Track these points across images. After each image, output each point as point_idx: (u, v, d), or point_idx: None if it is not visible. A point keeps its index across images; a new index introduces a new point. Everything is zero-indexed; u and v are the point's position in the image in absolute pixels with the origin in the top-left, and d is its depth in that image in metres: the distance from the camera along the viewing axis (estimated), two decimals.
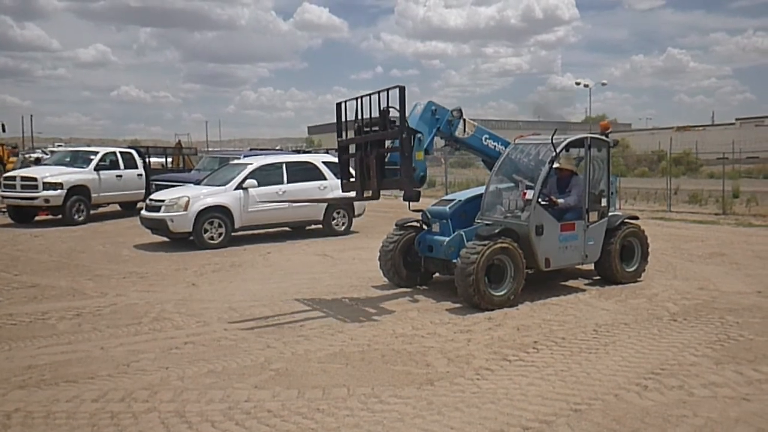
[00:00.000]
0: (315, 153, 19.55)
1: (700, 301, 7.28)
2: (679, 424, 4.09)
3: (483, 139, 8.04)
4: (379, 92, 6.94)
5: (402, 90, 6.66)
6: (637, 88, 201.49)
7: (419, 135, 7.21)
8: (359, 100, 7.18)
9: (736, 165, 29.85)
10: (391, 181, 7.17)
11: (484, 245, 6.95)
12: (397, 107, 6.67)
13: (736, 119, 65.13)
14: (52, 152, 24.74)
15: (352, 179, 7.48)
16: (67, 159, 17.04)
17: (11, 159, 26.24)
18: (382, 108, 6.92)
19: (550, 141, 7.61)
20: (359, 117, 7.21)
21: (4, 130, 28.57)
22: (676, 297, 7.52)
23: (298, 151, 21.33)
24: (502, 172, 8.11)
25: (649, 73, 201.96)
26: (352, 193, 7.54)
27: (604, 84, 65.74)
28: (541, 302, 7.37)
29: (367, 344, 5.88)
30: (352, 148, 7.58)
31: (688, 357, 5.37)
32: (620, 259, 8.19)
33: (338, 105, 7.53)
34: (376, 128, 7.13)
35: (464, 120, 7.80)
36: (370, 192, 7.21)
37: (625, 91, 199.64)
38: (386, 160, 7.19)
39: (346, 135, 7.52)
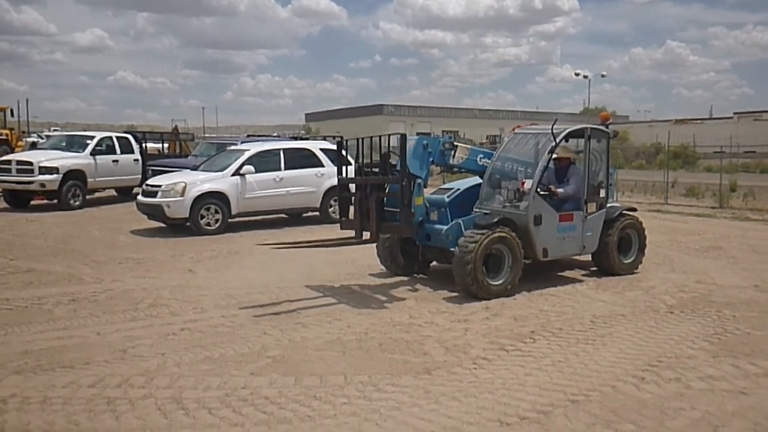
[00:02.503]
0: (313, 140, 19.47)
1: (697, 294, 7.29)
2: (676, 417, 4.10)
3: (478, 159, 7.97)
4: (380, 136, 7.24)
5: (403, 137, 6.92)
6: (635, 80, 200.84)
7: (419, 180, 7.23)
8: (360, 141, 7.43)
9: (734, 159, 29.81)
10: (390, 226, 7.25)
11: (483, 234, 6.94)
12: (398, 152, 6.90)
13: (734, 113, 65.17)
14: (48, 137, 24.61)
15: (351, 217, 7.54)
16: (63, 143, 16.93)
17: (19, 143, 26.18)
18: (383, 152, 7.16)
19: (550, 131, 7.58)
20: (360, 158, 7.44)
21: (12, 115, 28.45)
22: (673, 290, 7.53)
23: (295, 138, 21.23)
24: (501, 162, 8.08)
25: (647, 66, 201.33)
26: (351, 233, 7.54)
27: (603, 76, 65.84)
28: (539, 293, 7.37)
29: (365, 332, 5.88)
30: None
31: (685, 350, 5.38)
32: (618, 250, 8.19)
33: (339, 143, 7.76)
34: (377, 170, 7.28)
35: (456, 146, 7.76)
36: (369, 234, 7.31)
37: (623, 83, 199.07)
38: (385, 201, 7.27)
39: (347, 173, 7.65)
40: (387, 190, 7.27)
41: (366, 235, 7.35)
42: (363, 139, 7.45)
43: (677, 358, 5.17)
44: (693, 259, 9.42)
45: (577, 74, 62.56)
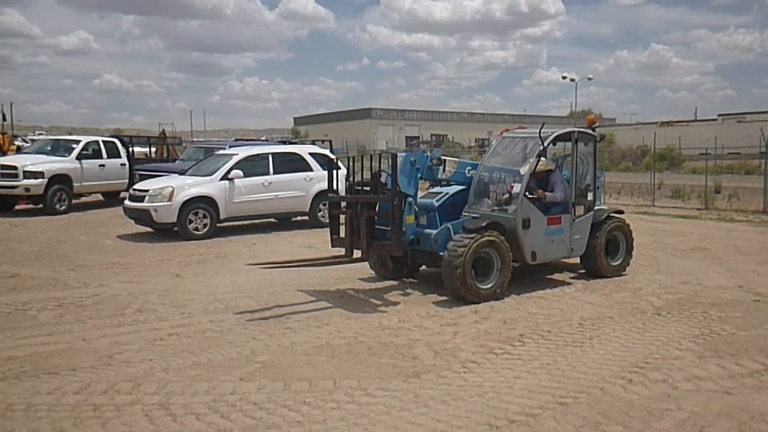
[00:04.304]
0: (301, 144, 19.44)
1: (683, 296, 7.35)
2: (663, 418, 4.13)
3: (466, 171, 7.97)
4: (371, 155, 7.38)
5: (394, 156, 6.98)
6: (621, 83, 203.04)
7: (410, 199, 7.25)
8: (351, 159, 7.62)
9: (718, 161, 30.15)
10: (380, 245, 7.27)
11: (471, 238, 6.95)
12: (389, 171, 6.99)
13: (719, 115, 65.84)
14: (32, 140, 24.40)
15: (342, 235, 7.54)
16: (49, 147, 16.75)
17: (11, 147, 25.95)
18: (373, 171, 7.22)
19: (537, 134, 7.61)
20: (351, 176, 7.51)
21: (4, 119, 28.18)
22: (659, 291, 7.58)
23: (284, 142, 21.18)
24: (489, 166, 8.11)
25: (632, 69, 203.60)
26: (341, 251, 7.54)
27: (590, 78, 65.96)
28: (527, 296, 7.39)
29: (354, 337, 5.87)
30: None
31: (671, 351, 5.42)
32: (605, 253, 8.24)
33: (330, 159, 7.89)
34: (368, 188, 7.35)
35: (444, 161, 7.77)
36: (360, 252, 7.31)
37: (609, 86, 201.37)
38: (376, 220, 7.30)
39: (337, 188, 7.70)
40: (378, 209, 7.28)
41: (357, 253, 7.35)
42: (354, 158, 7.60)
43: (664, 359, 5.20)
44: (679, 261, 9.50)
45: (564, 77, 62.92)
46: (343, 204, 7.55)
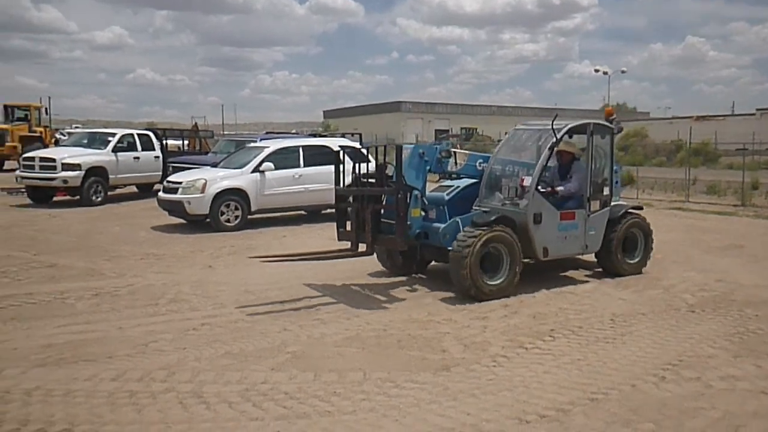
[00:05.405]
0: (331, 137, 19.51)
1: (717, 293, 7.20)
2: (696, 416, 4.07)
3: (477, 164, 7.80)
4: (376, 147, 7.35)
5: (399, 148, 6.89)
6: (655, 76, 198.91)
7: (416, 192, 7.16)
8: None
9: (756, 156, 29.33)
10: (386, 239, 7.17)
11: (480, 232, 6.77)
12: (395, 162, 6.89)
13: (757, 110, 63.95)
14: (69, 134, 24.96)
15: (348, 228, 7.47)
16: (85, 140, 17.13)
17: (51, 140, 26.62)
18: (379, 163, 7.15)
19: (550, 127, 7.40)
20: (358, 168, 7.41)
21: (47, 113, 28.87)
22: (693, 288, 7.44)
23: (314, 135, 21.27)
24: (501, 159, 7.96)
25: (667, 62, 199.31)
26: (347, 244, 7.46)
27: (623, 72, 65.04)
28: (557, 290, 7.33)
29: (383, 329, 5.90)
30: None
31: (705, 349, 5.33)
32: (622, 250, 7.96)
33: (337, 152, 7.80)
34: (373, 180, 7.27)
35: (455, 153, 7.66)
36: (365, 246, 7.23)
37: (643, 79, 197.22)
38: (382, 212, 7.22)
39: (344, 183, 7.65)
40: (384, 202, 7.19)
41: (362, 247, 7.24)
42: (360, 149, 7.55)
43: (698, 357, 5.12)
44: (714, 258, 9.30)
45: (596, 71, 62.19)
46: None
